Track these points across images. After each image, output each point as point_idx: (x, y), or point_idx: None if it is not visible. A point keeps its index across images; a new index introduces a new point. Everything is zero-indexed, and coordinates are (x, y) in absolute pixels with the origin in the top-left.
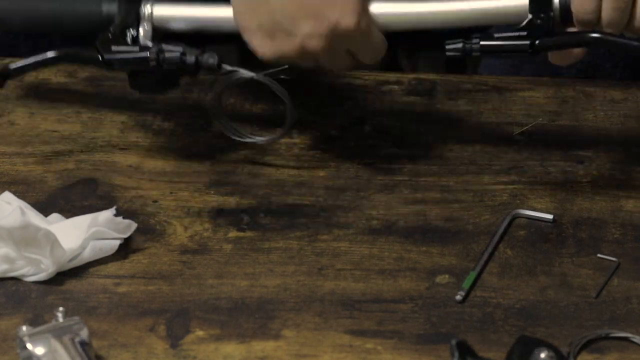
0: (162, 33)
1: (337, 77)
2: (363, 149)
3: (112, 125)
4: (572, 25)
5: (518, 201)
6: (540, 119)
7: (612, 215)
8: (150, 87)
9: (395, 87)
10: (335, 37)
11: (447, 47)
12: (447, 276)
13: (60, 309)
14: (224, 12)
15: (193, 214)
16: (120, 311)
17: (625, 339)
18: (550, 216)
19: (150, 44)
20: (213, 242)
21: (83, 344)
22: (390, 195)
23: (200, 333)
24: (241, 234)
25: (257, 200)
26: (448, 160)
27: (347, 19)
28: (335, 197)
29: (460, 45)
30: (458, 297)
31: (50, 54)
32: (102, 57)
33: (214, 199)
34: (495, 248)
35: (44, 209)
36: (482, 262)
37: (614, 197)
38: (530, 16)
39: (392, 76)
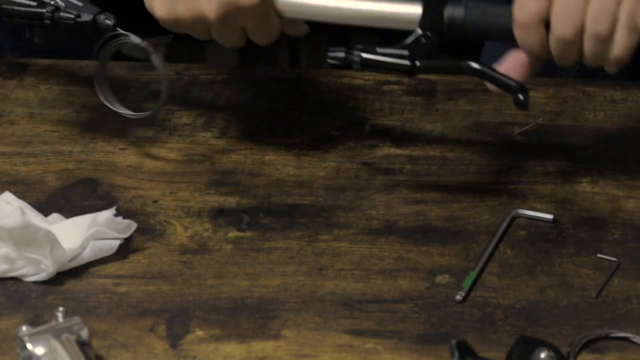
0: None
1: (337, 77)
2: (363, 149)
3: (112, 125)
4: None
5: (518, 201)
6: (540, 119)
7: (612, 215)
8: (46, 38)
9: (395, 87)
10: (232, 9)
11: (329, 54)
12: (447, 276)
13: (60, 309)
14: None
15: (193, 214)
16: (120, 311)
17: (625, 339)
18: (550, 216)
19: None
20: (213, 242)
21: (83, 344)
22: (390, 195)
23: (200, 333)
24: (241, 234)
25: (257, 200)
26: (448, 160)
27: None
28: (335, 197)
29: (342, 55)
30: (458, 297)
31: None
32: (0, 6)
33: (214, 199)
34: (495, 248)
35: (44, 209)
36: (482, 262)
37: (614, 197)
38: (419, 32)
39: (392, 76)
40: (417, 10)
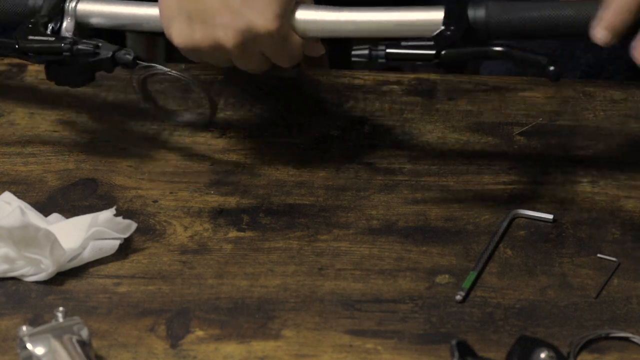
0: (86, 29)
1: (337, 77)
2: (363, 149)
3: (112, 125)
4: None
5: (518, 201)
6: (540, 119)
7: (612, 215)
8: (66, 79)
9: (395, 87)
10: (250, 36)
11: (353, 52)
12: (447, 276)
13: (60, 309)
14: (147, 11)
15: (193, 214)
16: (120, 311)
17: (625, 339)
18: (550, 216)
19: (68, 35)
20: (213, 242)
21: (83, 344)
22: (390, 195)
23: (200, 333)
24: (241, 234)
25: (257, 200)
26: (448, 160)
27: (264, 22)
28: (335, 197)
29: (366, 51)
30: (458, 297)
31: None
32: (17, 44)
33: (214, 199)
34: (495, 248)
35: (44, 209)
36: (482, 262)
37: (614, 197)
38: (442, 28)
39: (392, 76)
40: (439, 15)
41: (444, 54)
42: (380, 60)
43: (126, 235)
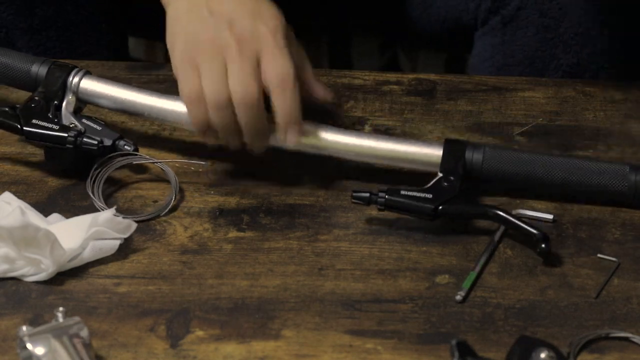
0: (86, 104)
1: (337, 77)
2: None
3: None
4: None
5: (518, 201)
6: (541, 119)
7: (612, 215)
8: (65, 163)
9: (395, 87)
10: (251, 37)
11: (354, 194)
12: (447, 276)
13: (60, 309)
14: (148, 100)
15: (193, 214)
16: (120, 311)
17: (625, 339)
18: (550, 216)
19: (72, 119)
20: (213, 242)
21: (83, 344)
22: None
23: (200, 333)
24: (241, 234)
25: (257, 200)
26: None
27: (267, 23)
28: (335, 197)
29: (366, 195)
30: (458, 297)
31: None
32: (21, 127)
33: (214, 199)
34: (495, 248)
35: (44, 209)
36: (482, 262)
37: None
38: (439, 175)
39: (392, 76)
40: (437, 152)
41: (441, 209)
42: (379, 208)
43: (126, 235)
